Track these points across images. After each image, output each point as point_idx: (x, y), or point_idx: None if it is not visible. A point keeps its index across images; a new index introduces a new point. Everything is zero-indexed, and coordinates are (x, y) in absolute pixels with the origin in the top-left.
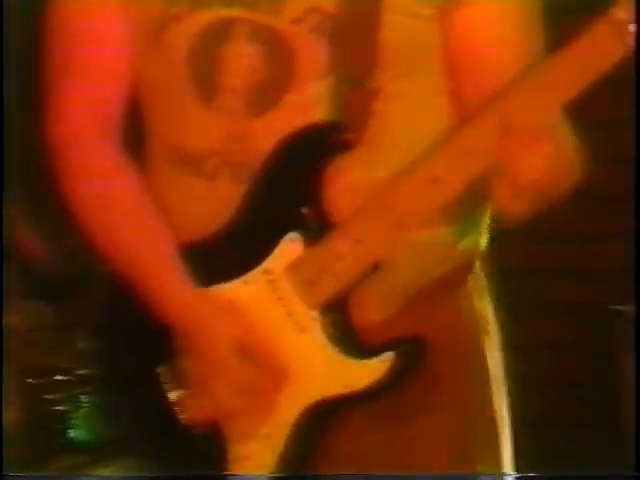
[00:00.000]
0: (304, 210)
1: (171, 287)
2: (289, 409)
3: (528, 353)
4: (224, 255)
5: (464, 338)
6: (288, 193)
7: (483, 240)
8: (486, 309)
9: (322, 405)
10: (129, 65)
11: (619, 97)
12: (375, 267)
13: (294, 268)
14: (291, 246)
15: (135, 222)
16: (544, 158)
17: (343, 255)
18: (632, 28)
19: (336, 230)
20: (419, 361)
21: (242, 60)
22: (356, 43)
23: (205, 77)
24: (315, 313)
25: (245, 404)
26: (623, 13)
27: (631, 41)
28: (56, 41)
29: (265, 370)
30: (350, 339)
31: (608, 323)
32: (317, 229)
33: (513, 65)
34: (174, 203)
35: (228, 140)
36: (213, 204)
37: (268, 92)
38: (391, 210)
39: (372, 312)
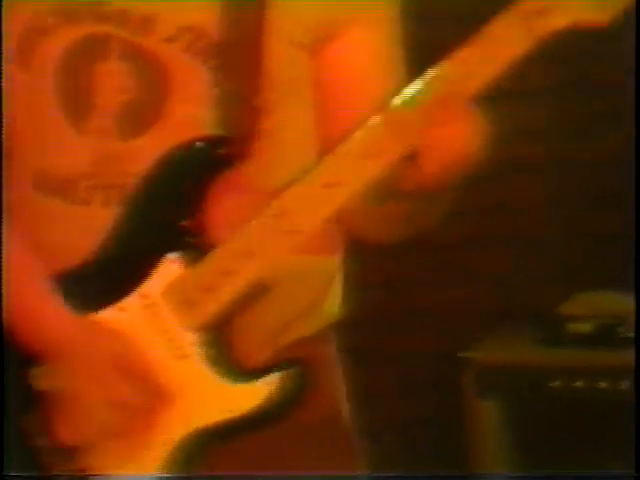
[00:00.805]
0: (184, 224)
1: (44, 314)
2: (169, 435)
3: None
4: (100, 281)
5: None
6: (167, 212)
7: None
8: None
9: (206, 432)
10: None
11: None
12: (264, 287)
13: (173, 290)
14: (170, 267)
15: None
16: (459, 139)
17: (230, 271)
18: (541, 20)
19: (221, 246)
20: (305, 384)
21: (113, 79)
22: (238, 62)
23: (74, 97)
24: (195, 337)
25: (121, 421)
26: (531, 4)
27: (539, 33)
28: None
29: (144, 391)
30: (232, 362)
31: None
32: (199, 247)
33: (374, 96)
34: (47, 231)
35: (99, 162)
36: (87, 229)
37: (141, 112)
38: (285, 217)
39: (255, 333)
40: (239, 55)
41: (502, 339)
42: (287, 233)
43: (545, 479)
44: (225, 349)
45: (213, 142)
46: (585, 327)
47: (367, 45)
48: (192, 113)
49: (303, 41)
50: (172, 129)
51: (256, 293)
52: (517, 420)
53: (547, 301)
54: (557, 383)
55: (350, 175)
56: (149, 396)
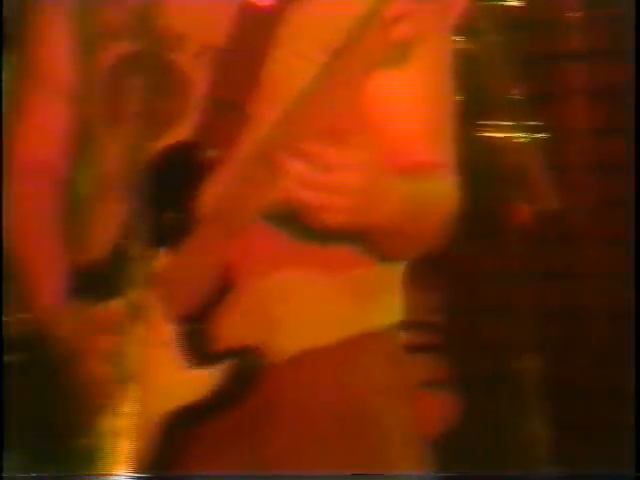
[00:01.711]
0: (167, 225)
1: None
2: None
3: None
4: (102, 274)
5: None
6: (154, 208)
7: None
8: None
9: (177, 412)
10: None
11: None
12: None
13: (156, 281)
14: (155, 260)
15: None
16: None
17: (197, 266)
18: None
19: (194, 241)
20: (260, 368)
21: (143, 92)
22: (239, 71)
23: (111, 104)
24: (171, 326)
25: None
26: (391, 10)
27: (399, 38)
28: None
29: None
30: (198, 349)
31: None
32: (178, 243)
33: None
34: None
35: (125, 161)
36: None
37: (166, 116)
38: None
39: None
40: (243, 64)
41: None
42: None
43: (545, 479)
44: (195, 338)
45: (201, 145)
46: None
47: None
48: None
49: (309, 54)
50: (187, 132)
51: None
52: None
53: None
54: None
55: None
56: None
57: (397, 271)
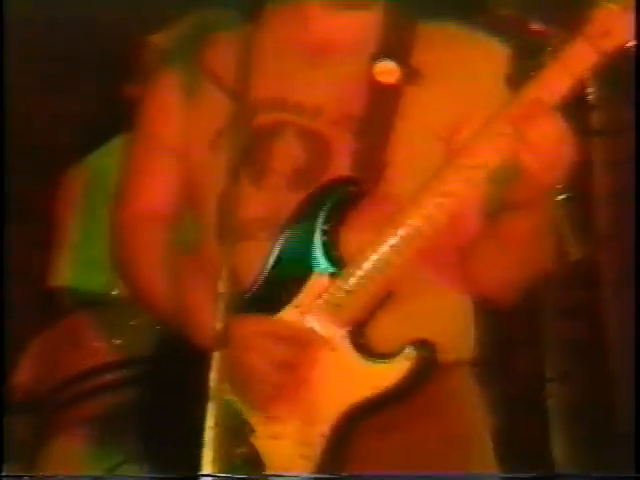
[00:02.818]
0: (325, 249)
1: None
2: (325, 410)
3: None
4: (261, 299)
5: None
6: (312, 239)
7: None
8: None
9: (355, 409)
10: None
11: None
12: (389, 294)
13: (323, 297)
14: (319, 280)
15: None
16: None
17: (366, 278)
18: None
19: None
20: (433, 362)
21: (288, 152)
22: (372, 136)
23: (257, 165)
24: (342, 331)
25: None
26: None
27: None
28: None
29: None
30: (372, 347)
31: None
32: (338, 263)
33: None
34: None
35: (271, 210)
36: (252, 258)
37: (307, 173)
38: (410, 228)
39: (388, 328)
40: (378, 129)
41: None
42: (411, 241)
43: (545, 479)
44: (366, 338)
45: (346, 181)
46: None
47: None
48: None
49: (437, 130)
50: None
51: (386, 297)
52: None
53: None
54: None
55: (461, 186)
56: (302, 364)
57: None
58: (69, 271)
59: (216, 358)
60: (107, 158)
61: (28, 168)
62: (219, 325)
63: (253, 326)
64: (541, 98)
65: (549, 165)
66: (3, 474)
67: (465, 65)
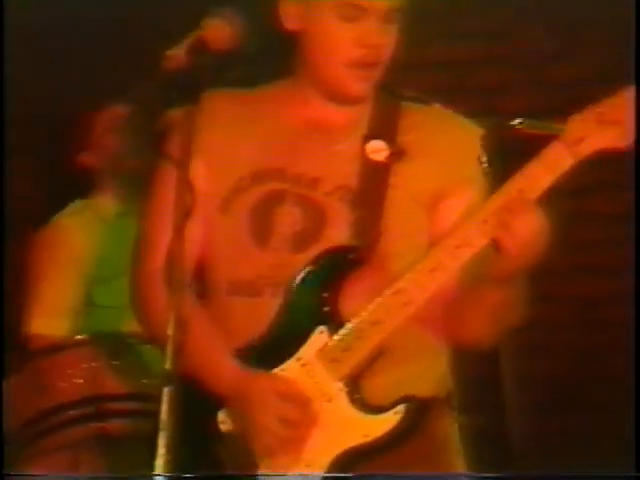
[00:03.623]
0: (326, 309)
1: (223, 368)
2: (321, 455)
3: None
4: (266, 351)
5: None
6: (314, 299)
7: None
8: None
9: (348, 453)
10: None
11: None
12: (381, 352)
13: (323, 352)
14: (319, 337)
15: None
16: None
17: (362, 336)
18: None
19: (354, 319)
20: (422, 416)
21: (289, 217)
22: (366, 206)
23: (261, 229)
24: (339, 385)
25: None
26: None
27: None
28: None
29: (302, 414)
30: (366, 400)
31: None
32: (338, 322)
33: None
34: (230, 318)
35: (275, 268)
36: (257, 315)
37: (306, 237)
38: (403, 294)
39: (381, 381)
40: (369, 201)
41: None
42: (403, 305)
43: (545, 479)
44: (361, 391)
45: (346, 250)
46: None
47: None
48: (338, 237)
49: (420, 199)
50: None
51: (381, 352)
52: None
53: None
54: None
55: (449, 260)
56: (304, 421)
57: None
58: (35, 319)
59: (165, 393)
60: (69, 218)
61: None
62: (168, 364)
63: (264, 383)
64: (524, 191)
65: (525, 250)
66: (3, 474)
67: (443, 142)
